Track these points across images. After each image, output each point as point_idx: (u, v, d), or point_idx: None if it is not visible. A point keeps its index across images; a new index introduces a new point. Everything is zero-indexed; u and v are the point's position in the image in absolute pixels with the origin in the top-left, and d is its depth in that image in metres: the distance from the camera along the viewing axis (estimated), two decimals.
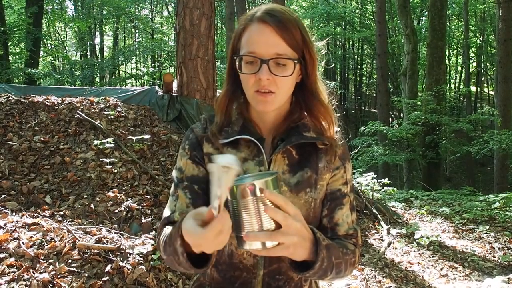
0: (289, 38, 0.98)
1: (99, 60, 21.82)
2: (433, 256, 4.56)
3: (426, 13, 18.59)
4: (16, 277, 2.55)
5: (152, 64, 24.40)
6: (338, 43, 28.66)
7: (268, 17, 0.99)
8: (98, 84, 20.17)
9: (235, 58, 1.04)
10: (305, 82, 1.07)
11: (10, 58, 14.04)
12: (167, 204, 1.13)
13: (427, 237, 4.88)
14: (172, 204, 1.10)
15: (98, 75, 22.39)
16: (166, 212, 1.11)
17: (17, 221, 3.14)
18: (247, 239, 0.83)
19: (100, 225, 3.42)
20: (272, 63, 0.98)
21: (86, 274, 2.67)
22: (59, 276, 2.62)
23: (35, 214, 3.45)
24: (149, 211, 3.76)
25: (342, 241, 1.09)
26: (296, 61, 0.99)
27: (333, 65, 26.50)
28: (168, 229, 1.03)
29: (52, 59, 19.59)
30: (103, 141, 4.49)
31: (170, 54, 20.15)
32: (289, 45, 0.99)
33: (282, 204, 0.85)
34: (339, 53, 27.48)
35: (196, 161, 1.10)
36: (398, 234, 5.15)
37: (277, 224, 0.85)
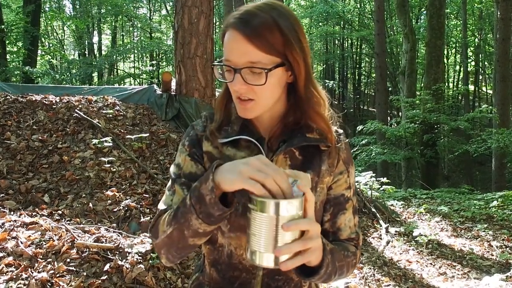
0: (262, 44, 0.93)
1: (97, 59, 21.77)
2: (431, 255, 4.56)
3: (425, 12, 18.64)
4: (14, 276, 2.55)
5: (151, 63, 24.37)
6: (337, 42, 28.70)
7: (238, 23, 0.94)
8: (97, 83, 20.15)
9: (212, 66, 1.03)
10: (295, 86, 1.03)
11: (7, 57, 14.00)
12: (163, 198, 1.12)
13: (426, 236, 4.89)
14: (168, 199, 1.09)
15: (97, 73, 22.36)
16: (162, 206, 1.09)
17: (15, 220, 3.13)
18: (280, 253, 0.82)
19: (99, 224, 3.41)
20: (247, 71, 0.95)
21: (85, 273, 2.67)
22: (57, 275, 2.61)
23: (33, 213, 3.44)
24: (148, 210, 3.76)
25: (344, 244, 1.08)
26: (267, 70, 0.94)
27: (333, 64, 26.56)
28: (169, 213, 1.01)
29: (50, 58, 19.53)
30: (101, 140, 4.48)
31: (168, 53, 20.12)
32: (264, 52, 0.93)
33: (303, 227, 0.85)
34: (338, 52, 27.50)
35: (195, 158, 1.09)
36: (397, 233, 5.16)
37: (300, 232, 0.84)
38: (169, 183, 1.12)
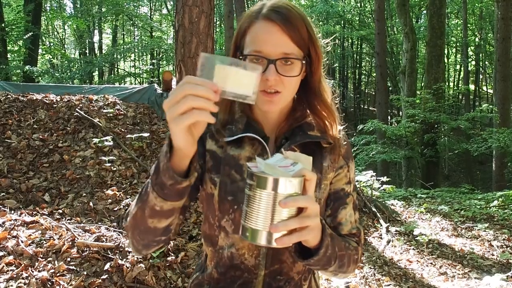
0: (295, 36, 0.95)
1: (98, 57, 21.78)
2: (432, 254, 4.56)
3: (425, 11, 18.62)
4: (15, 276, 2.55)
5: (151, 62, 24.37)
6: (337, 41, 28.63)
7: (274, 14, 0.95)
8: (97, 82, 20.15)
9: (240, 57, 1.00)
10: (309, 81, 1.04)
11: (8, 56, 14.00)
12: None
13: (426, 235, 4.89)
14: None
15: (97, 72, 22.37)
16: None
17: (15, 219, 3.13)
18: (276, 230, 0.79)
19: (99, 223, 3.41)
20: (279, 63, 0.95)
21: (85, 272, 2.67)
22: (58, 274, 2.61)
23: (34, 212, 3.44)
24: None
25: (345, 238, 1.08)
26: (303, 61, 0.97)
27: (334, 63, 26.50)
28: None
29: (50, 57, 19.54)
30: (102, 139, 4.48)
31: (168, 52, 20.11)
32: (296, 44, 0.95)
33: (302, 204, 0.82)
34: (338, 51, 27.48)
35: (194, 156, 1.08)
36: (397, 232, 5.16)
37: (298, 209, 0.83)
38: None
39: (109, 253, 2.86)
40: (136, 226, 0.94)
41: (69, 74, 17.67)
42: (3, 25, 12.57)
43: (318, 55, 1.00)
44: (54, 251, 2.81)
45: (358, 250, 1.08)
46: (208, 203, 1.06)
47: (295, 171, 0.83)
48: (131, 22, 23.54)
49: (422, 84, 17.06)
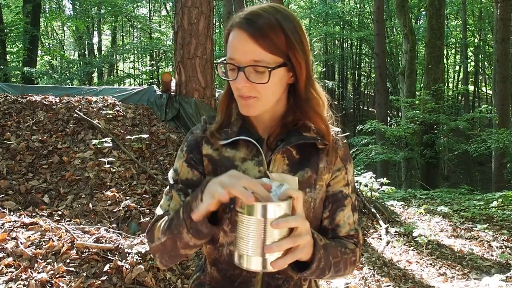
0: (266, 44, 0.95)
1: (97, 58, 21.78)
2: (431, 255, 4.56)
3: (424, 12, 18.64)
4: (14, 277, 2.55)
5: (150, 63, 24.37)
6: (336, 42, 28.70)
7: (244, 23, 0.97)
8: (96, 83, 20.15)
9: (216, 64, 1.06)
10: (296, 86, 1.05)
11: (7, 57, 14.00)
12: (161, 202, 1.14)
13: (426, 236, 4.89)
14: (165, 204, 1.12)
15: (96, 73, 22.36)
16: (159, 211, 1.12)
17: (15, 221, 3.13)
18: (270, 251, 0.83)
19: (99, 224, 3.41)
20: (250, 69, 0.97)
21: (85, 274, 2.67)
22: (57, 276, 2.61)
23: (33, 214, 3.44)
24: (148, 210, 3.76)
25: (342, 241, 1.09)
26: (270, 69, 0.96)
27: (333, 64, 26.55)
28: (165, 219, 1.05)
29: (50, 58, 19.53)
30: (101, 140, 4.48)
31: (167, 53, 20.11)
32: (268, 51, 0.96)
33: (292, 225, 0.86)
34: (338, 52, 27.50)
35: (192, 164, 1.11)
36: (397, 233, 5.16)
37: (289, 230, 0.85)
38: (167, 188, 1.15)
39: (109, 254, 2.86)
40: (166, 251, 1.03)
41: (68, 75, 17.67)
42: (2, 26, 12.56)
43: (299, 61, 1.00)
44: (53, 252, 2.81)
45: (356, 252, 1.09)
46: None
47: (281, 192, 0.85)
48: (130, 23, 23.54)
49: (422, 85, 17.06)
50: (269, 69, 0.97)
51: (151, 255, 2.90)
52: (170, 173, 1.15)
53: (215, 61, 1.13)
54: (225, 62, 1.00)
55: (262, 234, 0.82)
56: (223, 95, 1.12)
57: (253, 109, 1.02)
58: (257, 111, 1.03)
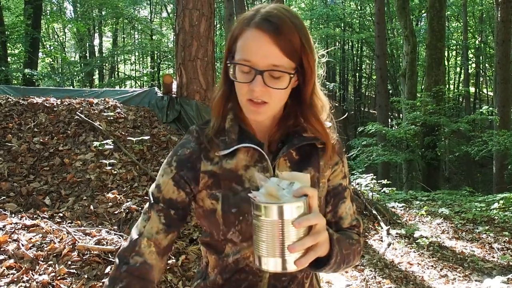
0: (286, 47, 0.92)
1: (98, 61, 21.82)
2: (432, 257, 4.56)
3: (425, 14, 18.64)
4: (15, 279, 2.55)
5: (151, 64, 24.40)
6: (337, 44, 28.70)
7: (266, 24, 0.92)
8: (98, 85, 20.17)
9: (228, 64, 0.99)
10: (301, 91, 1.02)
11: (9, 59, 14.02)
12: (138, 221, 1.08)
13: (427, 238, 4.88)
14: (141, 225, 1.05)
15: (97, 76, 22.39)
16: (134, 233, 1.06)
17: (16, 223, 3.13)
18: (293, 250, 0.82)
19: (100, 226, 3.41)
20: (267, 74, 0.93)
21: (86, 276, 2.67)
22: (58, 277, 2.61)
23: (35, 216, 3.44)
24: None
25: (347, 232, 1.10)
26: (291, 75, 0.94)
27: (334, 66, 26.54)
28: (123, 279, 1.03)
29: (51, 60, 19.57)
30: (102, 142, 4.49)
31: (168, 54, 20.14)
32: (286, 55, 0.93)
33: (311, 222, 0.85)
34: (339, 54, 27.50)
35: (180, 183, 1.04)
36: (398, 235, 5.15)
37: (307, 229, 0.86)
38: (146, 206, 1.08)
39: (110, 256, 2.86)
40: None
41: (68, 75, 17.71)
42: (3, 28, 12.58)
43: (311, 66, 0.98)
44: (54, 254, 2.81)
45: (360, 242, 1.11)
46: (210, 219, 1.05)
47: (295, 190, 0.85)
48: (131, 25, 23.58)
49: (423, 86, 17.07)
50: (291, 75, 0.94)
51: None
52: (151, 189, 1.08)
53: (228, 62, 1.07)
54: (241, 63, 0.94)
55: (281, 235, 0.82)
56: (220, 98, 1.06)
57: (262, 114, 0.98)
58: (265, 117, 1.00)
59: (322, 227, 0.86)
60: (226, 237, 1.03)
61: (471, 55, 24.57)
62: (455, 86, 27.96)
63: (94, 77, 22.44)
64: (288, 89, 0.97)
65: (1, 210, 3.46)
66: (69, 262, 2.75)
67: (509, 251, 4.77)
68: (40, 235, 3.00)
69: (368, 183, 6.40)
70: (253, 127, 1.07)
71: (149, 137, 4.80)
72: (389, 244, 4.80)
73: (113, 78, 24.07)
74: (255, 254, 0.86)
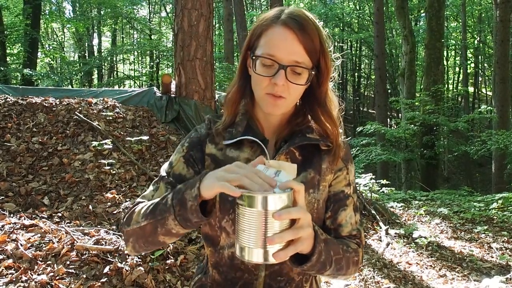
0: (309, 46, 0.98)
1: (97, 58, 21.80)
2: (431, 257, 4.56)
3: (424, 14, 18.65)
4: (14, 279, 2.55)
5: (150, 64, 24.38)
6: (336, 44, 28.70)
7: (292, 22, 0.98)
8: (96, 85, 20.15)
9: (253, 57, 1.02)
10: (315, 91, 1.06)
11: (7, 59, 14.01)
12: (145, 192, 1.12)
13: (426, 238, 4.89)
14: (150, 194, 1.10)
15: (96, 75, 22.37)
16: (138, 199, 1.10)
17: (15, 223, 3.13)
18: (271, 242, 0.81)
19: (99, 226, 3.41)
20: (289, 69, 0.98)
21: (85, 276, 2.67)
22: (57, 277, 2.61)
23: (33, 216, 3.44)
24: None
25: (345, 240, 1.09)
26: (312, 71, 1.00)
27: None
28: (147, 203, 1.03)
29: (50, 60, 19.55)
30: (101, 142, 4.48)
31: (167, 54, 20.12)
32: (308, 54, 0.98)
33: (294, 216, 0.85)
34: (337, 54, 27.45)
35: (189, 161, 1.10)
36: (397, 235, 5.16)
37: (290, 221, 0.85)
38: (156, 179, 1.13)
39: (109, 256, 2.86)
40: (143, 236, 1.00)
41: (66, 75, 17.69)
42: (2, 28, 12.56)
43: (328, 67, 1.03)
44: (53, 254, 2.81)
45: (358, 252, 1.08)
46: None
47: (282, 184, 0.84)
48: (130, 25, 23.56)
49: (421, 86, 17.08)
50: (312, 72, 1.00)
51: (152, 255, 2.90)
52: (164, 165, 1.15)
53: (253, 55, 1.09)
54: (266, 57, 0.98)
55: (263, 226, 0.81)
56: (235, 93, 1.10)
57: (279, 108, 1.02)
58: (282, 111, 1.04)
59: (306, 222, 0.86)
60: (221, 224, 1.05)
61: (470, 55, 24.60)
62: (454, 86, 27.98)
63: (93, 77, 22.42)
64: (304, 86, 1.02)
65: (0, 210, 3.46)
66: (68, 262, 2.75)
67: (507, 251, 4.78)
68: (39, 235, 3.00)
69: (367, 183, 6.40)
70: (262, 124, 1.11)
71: (148, 137, 4.80)
72: (388, 244, 4.80)
73: (112, 78, 24.04)
74: (236, 244, 0.86)
